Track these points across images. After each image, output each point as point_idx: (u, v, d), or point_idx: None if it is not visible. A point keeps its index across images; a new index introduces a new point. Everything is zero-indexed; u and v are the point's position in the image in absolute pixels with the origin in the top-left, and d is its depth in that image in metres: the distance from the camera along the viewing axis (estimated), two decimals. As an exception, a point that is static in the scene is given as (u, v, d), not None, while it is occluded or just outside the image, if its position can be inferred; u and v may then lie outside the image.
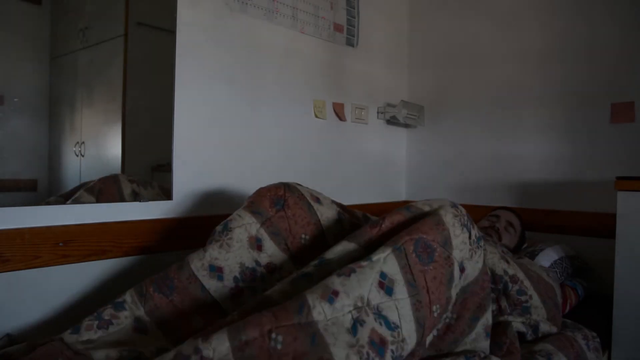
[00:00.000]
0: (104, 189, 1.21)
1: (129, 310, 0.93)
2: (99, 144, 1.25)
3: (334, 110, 1.85)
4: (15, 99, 1.08)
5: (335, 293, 0.76)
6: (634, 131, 1.59)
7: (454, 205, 0.97)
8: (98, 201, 1.19)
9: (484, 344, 0.97)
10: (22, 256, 1.06)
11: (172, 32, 1.33)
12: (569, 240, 1.65)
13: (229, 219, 1.06)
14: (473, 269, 0.95)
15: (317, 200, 1.14)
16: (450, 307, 0.91)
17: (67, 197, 1.16)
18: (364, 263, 0.81)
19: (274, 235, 1.06)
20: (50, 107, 1.14)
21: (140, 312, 0.93)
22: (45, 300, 1.11)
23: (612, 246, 1.32)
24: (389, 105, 2.07)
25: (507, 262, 1.19)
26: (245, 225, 1.04)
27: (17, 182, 1.09)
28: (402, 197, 2.24)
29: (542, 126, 1.80)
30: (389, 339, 0.76)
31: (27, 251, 1.07)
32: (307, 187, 1.18)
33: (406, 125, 2.22)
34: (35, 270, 1.08)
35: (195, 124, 1.40)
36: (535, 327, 1.15)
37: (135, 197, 1.27)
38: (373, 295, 0.78)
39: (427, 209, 0.97)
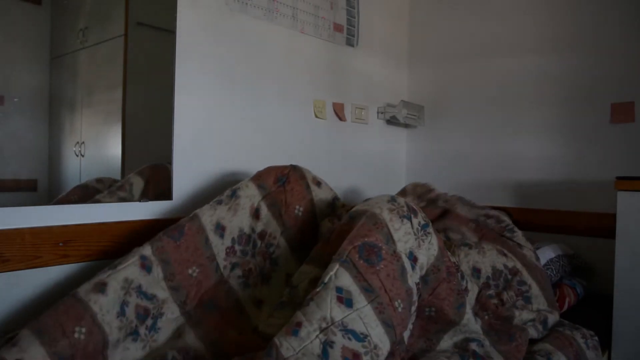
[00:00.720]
0: (153, 174, 1.32)
1: (136, 251, 1.02)
2: (99, 144, 1.25)
3: (334, 110, 1.85)
4: (15, 99, 1.08)
5: (299, 324, 0.79)
6: (634, 131, 1.59)
7: (390, 200, 0.99)
8: (147, 184, 1.29)
9: (475, 327, 0.99)
10: (22, 256, 1.06)
11: (172, 32, 1.33)
12: (568, 240, 1.65)
13: (237, 186, 1.20)
14: (427, 256, 0.96)
15: (318, 184, 1.28)
16: (415, 298, 0.93)
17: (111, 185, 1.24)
18: (318, 289, 0.84)
19: (271, 207, 1.21)
20: (50, 107, 1.14)
21: (147, 251, 1.02)
22: (45, 300, 1.11)
23: (612, 246, 1.32)
24: (389, 105, 2.07)
25: (505, 255, 1.22)
26: (249, 197, 1.19)
27: (17, 182, 1.09)
28: (402, 197, 2.24)
29: (542, 126, 1.80)
30: (361, 350, 0.78)
31: (27, 251, 1.07)
32: (314, 173, 1.30)
33: (406, 125, 2.22)
34: (35, 270, 1.08)
35: (195, 124, 1.40)
36: (544, 322, 1.16)
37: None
38: (335, 312, 0.80)
39: (364, 208, 0.98)
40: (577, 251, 1.62)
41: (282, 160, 1.65)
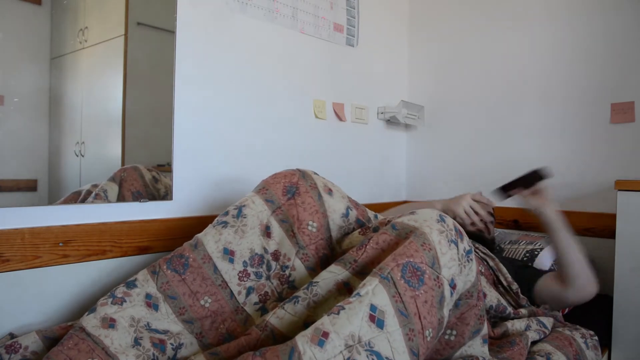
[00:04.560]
0: (126, 177, 1.27)
1: (141, 288, 0.98)
2: (99, 144, 1.25)
3: (334, 110, 1.85)
4: (15, 99, 1.08)
5: (326, 335, 0.75)
6: (634, 131, 1.59)
7: (440, 220, 0.93)
8: (121, 188, 1.25)
9: (480, 350, 0.96)
10: (22, 256, 1.06)
11: (172, 32, 1.33)
12: (569, 240, 1.65)
13: (242, 203, 1.11)
14: (464, 282, 0.92)
15: (329, 191, 1.17)
16: (444, 326, 0.90)
17: (79, 195, 1.20)
18: (352, 299, 0.79)
19: (282, 223, 1.11)
20: (50, 107, 1.14)
21: (152, 288, 0.98)
22: (45, 300, 1.11)
23: (612, 246, 1.32)
24: (389, 105, 2.07)
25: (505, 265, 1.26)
26: (257, 214, 1.10)
27: (17, 182, 1.09)
28: (402, 197, 2.24)
29: (542, 126, 1.80)
30: None
31: (27, 251, 1.07)
32: (323, 178, 1.21)
33: (406, 125, 2.22)
34: (35, 270, 1.08)
35: (195, 124, 1.40)
36: (541, 323, 1.17)
37: (156, 182, 1.33)
38: (364, 331, 0.76)
39: (412, 224, 0.93)
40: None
41: (282, 160, 1.66)
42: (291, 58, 1.68)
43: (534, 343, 1.11)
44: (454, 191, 2.00)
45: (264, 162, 1.60)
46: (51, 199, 1.15)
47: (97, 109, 1.24)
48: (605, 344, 1.31)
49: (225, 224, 1.08)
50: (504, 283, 1.27)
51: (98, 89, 1.25)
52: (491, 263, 1.32)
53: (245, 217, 1.08)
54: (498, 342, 1.07)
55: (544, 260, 1.48)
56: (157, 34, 1.34)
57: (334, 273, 0.93)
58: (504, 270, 1.29)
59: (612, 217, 1.33)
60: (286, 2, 1.65)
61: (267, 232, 1.09)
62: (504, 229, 1.86)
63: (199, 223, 1.38)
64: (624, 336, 1.30)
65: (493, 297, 1.17)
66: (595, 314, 1.39)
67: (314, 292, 0.91)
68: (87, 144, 1.21)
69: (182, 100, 1.36)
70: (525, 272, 1.36)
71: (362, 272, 0.90)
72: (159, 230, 1.30)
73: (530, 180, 1.27)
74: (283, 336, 0.86)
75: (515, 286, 1.26)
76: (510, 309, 1.17)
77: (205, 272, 1.01)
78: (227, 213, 1.10)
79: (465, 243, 0.94)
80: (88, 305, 1.13)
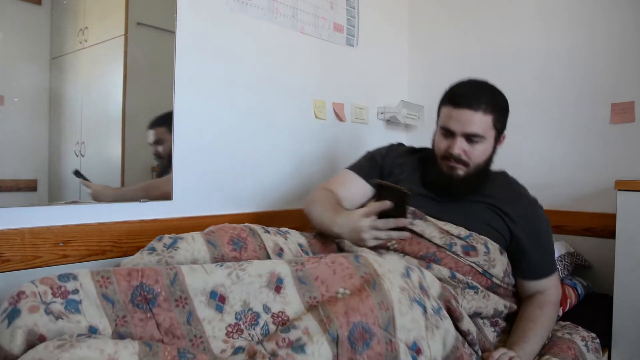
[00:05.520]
0: None
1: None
2: (99, 144, 1.25)
3: (334, 110, 1.85)
4: (15, 99, 1.08)
5: None
6: (634, 131, 1.59)
7: (405, 274, 0.86)
8: None
9: None
10: (22, 256, 1.06)
11: (172, 32, 1.33)
12: (568, 241, 1.65)
13: (179, 236, 0.99)
14: (438, 345, 0.83)
15: (280, 252, 1.06)
16: None
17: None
18: (298, 357, 0.71)
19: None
20: (50, 107, 1.14)
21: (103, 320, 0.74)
22: (45, 300, 1.11)
23: (612, 246, 1.32)
24: (389, 105, 2.07)
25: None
26: (193, 250, 0.96)
27: (17, 182, 1.09)
28: (402, 197, 2.24)
29: (542, 126, 1.80)
30: None
31: (27, 251, 1.07)
32: (276, 234, 1.11)
33: (406, 125, 2.22)
34: (35, 270, 1.08)
35: (195, 124, 1.40)
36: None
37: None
38: None
39: (375, 267, 0.85)
40: (577, 250, 1.62)
41: (282, 159, 1.66)
42: (291, 58, 1.68)
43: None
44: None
45: (264, 162, 1.60)
46: (51, 199, 1.15)
47: (97, 109, 1.24)
48: (605, 344, 1.31)
49: (152, 250, 0.97)
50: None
51: (98, 89, 1.25)
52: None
53: (176, 250, 0.96)
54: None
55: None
56: (157, 34, 1.34)
57: (273, 263, 0.86)
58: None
59: (612, 217, 1.33)
60: (286, 2, 1.65)
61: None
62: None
63: (199, 223, 1.38)
64: (624, 336, 1.30)
65: (490, 309, 1.12)
66: (595, 314, 1.39)
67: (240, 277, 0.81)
68: (87, 144, 1.21)
69: (182, 100, 1.36)
70: (543, 257, 1.21)
71: (303, 279, 0.82)
72: (159, 230, 1.30)
73: (400, 198, 1.04)
74: None
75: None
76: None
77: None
78: (161, 239, 0.99)
79: (433, 301, 0.87)
80: (88, 305, 1.13)
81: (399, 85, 2.19)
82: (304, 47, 1.73)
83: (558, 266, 1.44)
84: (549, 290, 1.19)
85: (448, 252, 1.11)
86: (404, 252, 1.11)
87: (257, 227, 1.09)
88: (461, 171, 1.18)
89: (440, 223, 1.15)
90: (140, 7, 1.28)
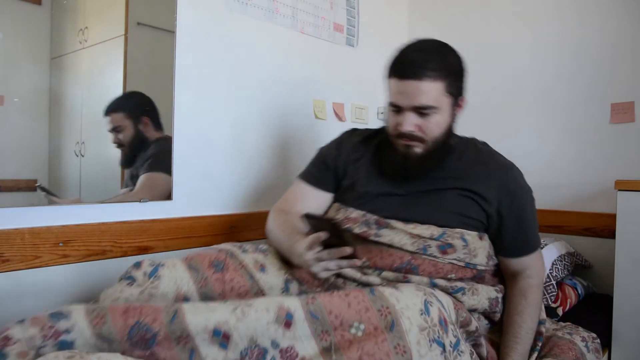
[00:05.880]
0: None
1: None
2: (99, 144, 1.25)
3: (334, 110, 1.85)
4: (15, 99, 1.08)
5: None
6: (634, 131, 1.59)
7: (424, 311, 0.82)
8: None
9: None
10: (22, 256, 1.06)
11: (172, 32, 1.33)
12: (568, 241, 1.65)
13: (160, 263, 0.95)
14: None
15: (262, 268, 1.04)
16: None
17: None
18: None
19: (206, 299, 0.94)
20: (50, 107, 1.14)
21: None
22: (45, 300, 1.11)
23: (612, 246, 1.32)
24: (389, 105, 2.07)
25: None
26: (176, 278, 0.93)
27: (17, 182, 1.09)
28: (402, 197, 2.24)
29: (542, 126, 1.80)
30: None
31: (27, 251, 1.07)
32: (256, 253, 1.08)
33: (406, 125, 2.22)
34: (35, 270, 1.09)
35: (195, 124, 1.40)
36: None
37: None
38: None
39: (392, 301, 0.81)
40: (576, 250, 1.62)
41: (282, 159, 1.66)
42: (291, 58, 1.68)
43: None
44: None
45: (264, 162, 1.60)
46: (51, 199, 1.15)
47: (97, 109, 1.24)
48: (605, 344, 1.31)
49: (132, 280, 0.92)
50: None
51: (98, 89, 1.25)
52: None
53: (158, 279, 0.92)
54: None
55: (547, 257, 1.46)
56: (157, 34, 1.34)
57: (282, 297, 0.83)
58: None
59: (612, 217, 1.33)
60: (286, 2, 1.65)
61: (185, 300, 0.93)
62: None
63: (199, 223, 1.39)
64: (624, 336, 1.30)
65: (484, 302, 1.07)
66: (595, 314, 1.39)
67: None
68: (87, 144, 1.21)
69: (182, 100, 1.36)
70: (527, 232, 1.11)
71: (315, 313, 0.78)
72: (159, 230, 1.30)
73: (333, 227, 0.97)
74: None
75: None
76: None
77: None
78: (139, 266, 0.95)
79: (451, 336, 0.84)
80: (88, 305, 1.13)
81: (399, 85, 2.19)
82: (304, 47, 1.73)
83: (558, 266, 1.44)
84: (531, 270, 1.10)
85: (424, 256, 1.02)
86: (376, 267, 1.04)
87: (234, 249, 1.06)
88: (418, 149, 1.06)
89: (410, 227, 1.04)
90: (140, 7, 1.28)
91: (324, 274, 0.97)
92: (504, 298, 1.12)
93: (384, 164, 1.13)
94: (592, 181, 1.66)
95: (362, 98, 1.98)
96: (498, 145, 1.93)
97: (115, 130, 1.26)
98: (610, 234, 1.33)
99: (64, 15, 1.17)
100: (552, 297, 1.37)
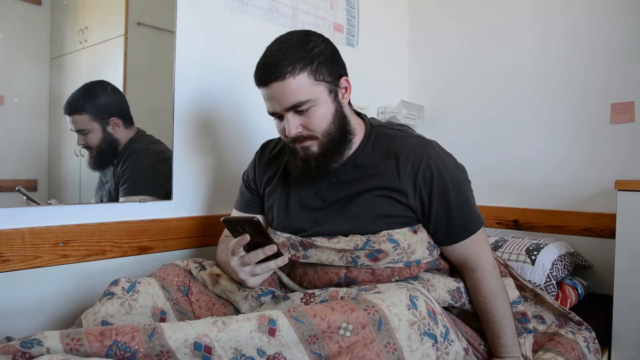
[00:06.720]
0: None
1: None
2: (99, 144, 1.24)
3: (334, 110, 1.84)
4: (15, 99, 1.08)
5: None
6: (634, 131, 1.59)
7: (410, 305, 0.81)
8: None
9: None
10: (22, 256, 1.06)
11: (172, 32, 1.33)
12: (568, 241, 1.65)
13: (136, 279, 0.99)
14: None
15: (217, 279, 1.05)
16: None
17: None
18: None
19: (179, 314, 0.98)
20: (50, 107, 1.14)
21: None
22: (45, 300, 1.11)
23: (612, 246, 1.32)
24: (389, 105, 2.07)
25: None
26: (152, 294, 0.97)
27: (17, 182, 1.09)
28: (402, 197, 2.24)
29: (543, 126, 1.80)
30: None
31: (27, 251, 1.07)
32: (213, 267, 1.10)
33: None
34: (35, 270, 1.09)
35: (196, 124, 1.40)
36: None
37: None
38: None
39: (377, 302, 0.80)
40: (576, 250, 1.62)
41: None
42: (291, 58, 1.68)
43: (533, 350, 1.09)
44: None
45: (264, 162, 1.60)
46: (51, 199, 1.15)
47: (97, 109, 1.23)
48: (605, 344, 1.31)
49: (112, 294, 0.94)
50: None
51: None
52: None
53: (137, 293, 0.96)
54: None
55: (547, 256, 1.46)
56: (157, 34, 1.34)
57: (260, 311, 0.81)
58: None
59: (612, 217, 1.33)
60: (286, 2, 1.65)
61: (161, 317, 0.96)
62: (504, 228, 1.86)
63: (199, 223, 1.39)
64: (624, 336, 1.30)
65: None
66: (595, 314, 1.39)
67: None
68: (87, 144, 1.21)
69: (182, 100, 1.36)
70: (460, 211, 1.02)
71: (299, 318, 0.75)
72: (159, 230, 1.30)
73: (252, 225, 0.86)
74: None
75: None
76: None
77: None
78: (117, 282, 0.98)
79: (441, 326, 0.83)
80: (88, 306, 1.13)
81: (399, 85, 2.19)
82: (304, 47, 1.73)
83: (558, 266, 1.44)
84: (474, 262, 1.03)
85: (358, 267, 0.99)
86: (316, 287, 1.02)
87: (194, 269, 1.09)
88: (314, 147, 0.99)
89: (334, 242, 0.99)
90: (140, 7, 1.28)
91: (253, 280, 0.91)
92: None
93: (293, 175, 1.08)
94: (592, 181, 1.66)
95: (362, 98, 1.98)
96: (499, 144, 1.94)
97: (80, 132, 1.15)
98: (610, 234, 1.33)
99: (64, 15, 1.16)
100: (553, 297, 1.37)
